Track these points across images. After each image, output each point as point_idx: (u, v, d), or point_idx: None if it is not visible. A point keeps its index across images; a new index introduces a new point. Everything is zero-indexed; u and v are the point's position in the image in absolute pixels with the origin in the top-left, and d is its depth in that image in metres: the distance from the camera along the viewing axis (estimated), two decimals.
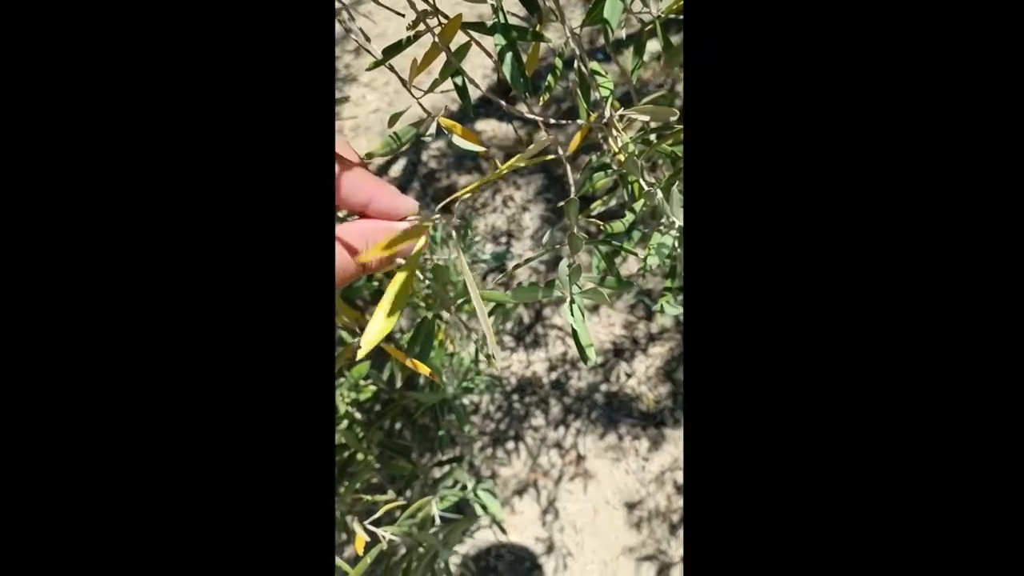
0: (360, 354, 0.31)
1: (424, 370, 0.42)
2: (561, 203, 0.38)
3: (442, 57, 0.44)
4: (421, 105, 0.44)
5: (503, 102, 0.45)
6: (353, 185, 0.32)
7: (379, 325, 0.30)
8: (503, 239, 1.91)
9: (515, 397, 1.67)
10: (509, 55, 0.40)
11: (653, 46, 0.58)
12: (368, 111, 2.24)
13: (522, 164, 0.35)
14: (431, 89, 0.45)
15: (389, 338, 0.49)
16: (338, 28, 0.44)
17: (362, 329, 0.46)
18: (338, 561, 0.56)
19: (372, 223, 0.32)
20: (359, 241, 0.32)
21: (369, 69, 0.44)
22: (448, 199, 0.34)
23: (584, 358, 0.38)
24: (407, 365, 0.44)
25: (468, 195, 0.34)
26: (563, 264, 0.38)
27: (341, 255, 0.31)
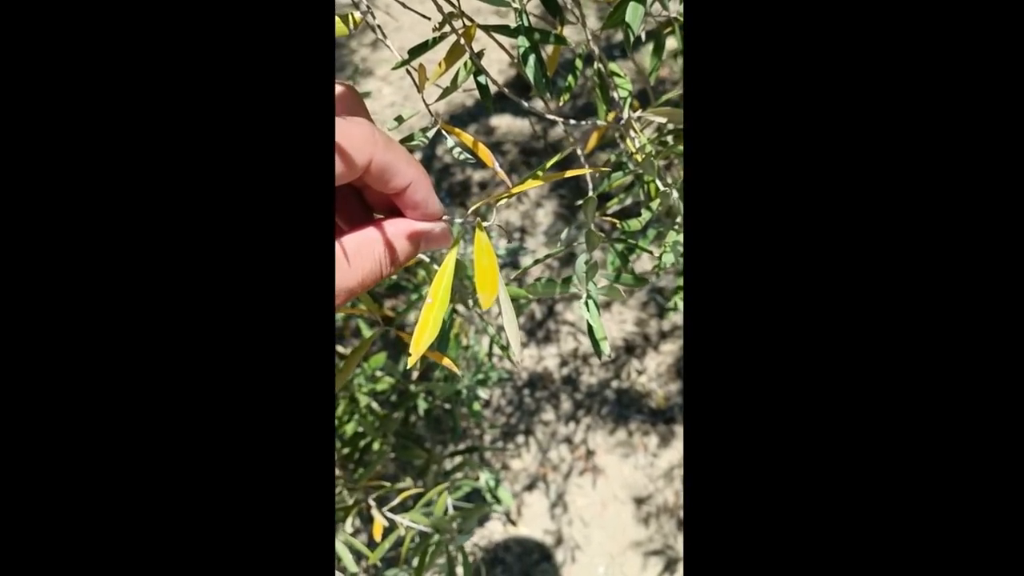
0: (410, 362, 0.32)
1: (440, 358, 0.44)
2: (578, 201, 0.39)
3: (464, 56, 0.45)
4: (429, 109, 0.45)
5: (524, 102, 0.46)
6: (400, 163, 0.29)
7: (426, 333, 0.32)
8: (516, 235, 1.92)
9: (526, 392, 1.69)
10: (532, 57, 0.41)
11: (671, 44, 0.59)
12: (384, 105, 2.26)
13: (540, 176, 0.36)
14: (446, 94, 0.45)
15: (403, 327, 0.50)
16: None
17: (383, 319, 0.47)
18: (357, 545, 0.58)
19: (396, 226, 0.30)
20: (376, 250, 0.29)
21: (395, 68, 0.45)
22: (478, 203, 0.34)
23: (598, 352, 0.39)
24: (424, 355, 0.45)
25: (484, 192, 0.35)
26: (580, 260, 0.39)
27: (361, 263, 0.29)
